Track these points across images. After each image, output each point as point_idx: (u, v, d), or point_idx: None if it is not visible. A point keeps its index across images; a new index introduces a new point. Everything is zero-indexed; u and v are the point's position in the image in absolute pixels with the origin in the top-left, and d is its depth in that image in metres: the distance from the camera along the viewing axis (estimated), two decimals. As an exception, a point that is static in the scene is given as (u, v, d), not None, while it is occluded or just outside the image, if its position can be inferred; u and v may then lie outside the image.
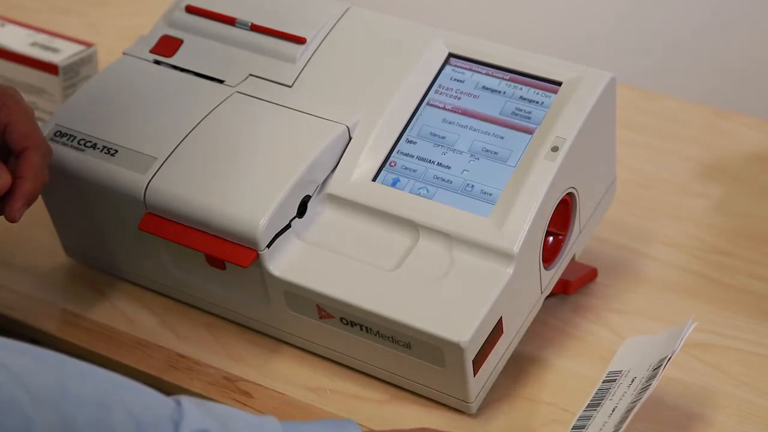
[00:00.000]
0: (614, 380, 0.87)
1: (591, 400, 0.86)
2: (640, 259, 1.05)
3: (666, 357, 0.84)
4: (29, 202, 0.86)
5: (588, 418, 0.85)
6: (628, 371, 0.87)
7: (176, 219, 0.90)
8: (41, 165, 0.86)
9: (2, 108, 0.86)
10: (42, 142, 0.87)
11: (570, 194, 0.92)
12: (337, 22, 0.99)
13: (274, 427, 0.74)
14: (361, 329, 0.88)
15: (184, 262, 0.93)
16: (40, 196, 0.99)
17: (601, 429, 0.83)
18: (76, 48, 1.18)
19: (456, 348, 0.83)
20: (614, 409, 0.84)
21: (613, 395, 0.85)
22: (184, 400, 0.70)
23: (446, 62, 0.96)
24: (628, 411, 0.82)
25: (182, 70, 0.99)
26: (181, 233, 0.90)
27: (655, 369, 0.84)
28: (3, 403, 0.63)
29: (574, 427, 0.84)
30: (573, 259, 0.97)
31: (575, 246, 0.95)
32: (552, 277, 0.94)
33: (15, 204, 0.85)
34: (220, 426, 0.70)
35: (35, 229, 1.05)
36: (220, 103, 0.95)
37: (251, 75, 0.98)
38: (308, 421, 0.78)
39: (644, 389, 0.83)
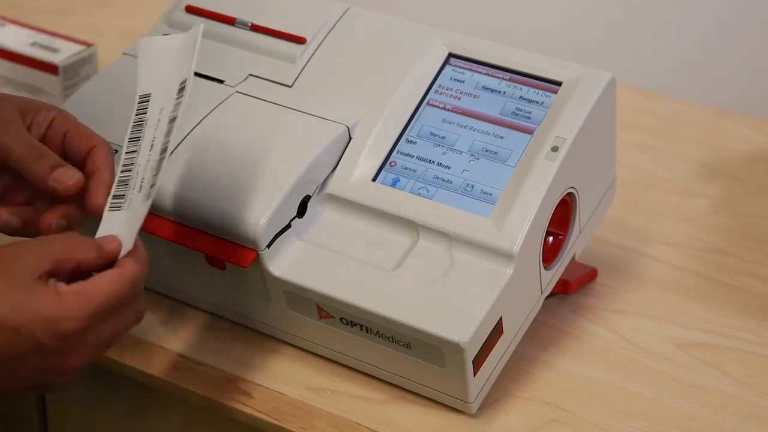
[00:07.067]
0: (146, 110, 0.85)
1: (131, 134, 0.84)
2: (640, 259, 1.05)
3: (184, 80, 0.82)
4: (109, 193, 0.84)
5: (134, 153, 0.83)
6: (155, 100, 0.85)
7: (176, 219, 0.90)
8: (112, 161, 0.85)
9: (57, 116, 0.86)
10: (106, 141, 0.86)
11: (570, 194, 0.92)
12: (337, 22, 0.99)
13: None
14: (361, 329, 0.88)
15: (184, 262, 0.93)
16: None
17: (145, 165, 0.81)
18: (76, 48, 1.18)
19: (456, 348, 0.83)
20: (152, 145, 0.82)
21: (148, 127, 0.84)
22: None
23: (446, 62, 0.96)
24: (164, 147, 0.81)
25: (182, 70, 0.99)
26: (181, 233, 0.90)
27: (179, 96, 0.83)
28: None
29: (123, 165, 0.83)
30: (573, 259, 0.97)
31: (575, 246, 0.95)
32: (552, 277, 0.93)
33: (99, 191, 0.83)
34: None
35: (35, 229, 1.05)
36: (220, 103, 0.95)
37: (251, 75, 0.98)
38: None
39: (172, 120, 0.82)
